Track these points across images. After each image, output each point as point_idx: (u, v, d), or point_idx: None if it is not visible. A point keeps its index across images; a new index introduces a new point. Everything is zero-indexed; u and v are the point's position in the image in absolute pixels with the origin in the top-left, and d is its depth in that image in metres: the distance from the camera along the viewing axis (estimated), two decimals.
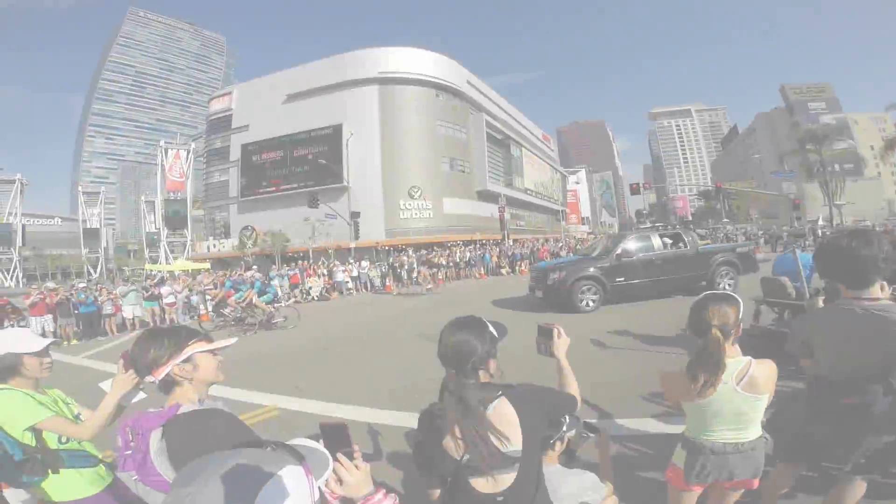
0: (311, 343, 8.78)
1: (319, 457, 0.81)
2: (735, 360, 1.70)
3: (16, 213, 50.38)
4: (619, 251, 9.77)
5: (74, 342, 11.84)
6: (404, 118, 42.67)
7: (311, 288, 18.91)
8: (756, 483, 1.79)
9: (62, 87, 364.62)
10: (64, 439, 1.86)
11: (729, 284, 9.84)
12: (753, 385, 1.67)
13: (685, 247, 10.19)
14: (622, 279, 9.55)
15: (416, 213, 41.38)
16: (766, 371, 1.70)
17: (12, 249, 49.70)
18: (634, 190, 31.32)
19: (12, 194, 50.07)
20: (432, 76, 44.55)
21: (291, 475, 0.67)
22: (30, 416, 1.79)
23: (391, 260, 23.27)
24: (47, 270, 58.80)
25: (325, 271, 20.32)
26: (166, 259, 43.90)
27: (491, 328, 1.43)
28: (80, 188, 62.44)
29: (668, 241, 10.38)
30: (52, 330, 11.80)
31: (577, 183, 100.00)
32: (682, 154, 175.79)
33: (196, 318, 14.30)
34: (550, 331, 1.74)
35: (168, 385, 1.34)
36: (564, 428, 1.61)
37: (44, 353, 1.93)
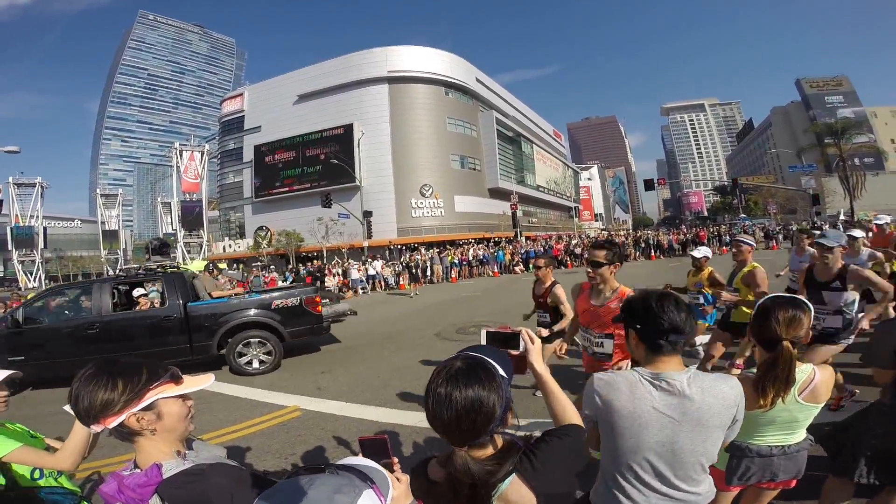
0: (329, 342, 8.87)
1: (381, 477, 0.80)
2: (800, 371, 1.64)
3: (37, 216, 51.56)
4: (12, 315, 6.57)
5: None
6: (414, 116, 42.71)
7: (326, 287, 19.11)
8: (794, 483, 1.78)
9: (79, 92, 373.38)
10: (37, 474, 1.65)
11: (262, 361, 6.82)
12: (816, 395, 1.65)
13: (166, 303, 6.84)
14: (22, 357, 6.19)
15: (427, 212, 41.43)
16: (828, 380, 1.66)
17: (35, 251, 50.88)
18: (648, 186, 31.05)
19: (33, 197, 51.23)
20: (441, 74, 44.52)
21: (368, 499, 0.70)
22: None
23: (404, 259, 23.39)
24: (69, 272, 60.24)
25: (340, 270, 20.49)
26: (183, 259, 44.55)
27: (499, 369, 1.02)
28: (98, 190, 63.69)
29: (151, 292, 7.30)
30: None
31: (590, 179, 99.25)
32: (696, 149, 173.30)
33: None
34: (512, 337, 1.26)
35: (122, 435, 1.12)
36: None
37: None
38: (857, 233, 5.13)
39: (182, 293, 6.77)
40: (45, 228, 52.85)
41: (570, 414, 1.23)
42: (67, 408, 1.51)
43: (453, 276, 21.83)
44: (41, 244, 51.27)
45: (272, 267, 24.91)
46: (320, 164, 40.94)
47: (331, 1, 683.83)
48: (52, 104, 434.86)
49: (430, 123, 43.19)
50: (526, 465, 0.98)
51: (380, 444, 0.98)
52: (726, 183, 72.97)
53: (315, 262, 24.68)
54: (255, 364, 6.82)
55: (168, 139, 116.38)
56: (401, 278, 21.24)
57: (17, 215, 49.13)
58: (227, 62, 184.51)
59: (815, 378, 1.64)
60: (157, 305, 7.25)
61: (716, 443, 1.33)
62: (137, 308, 7.17)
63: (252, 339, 6.83)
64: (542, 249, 23.67)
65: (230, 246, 45.45)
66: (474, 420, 0.93)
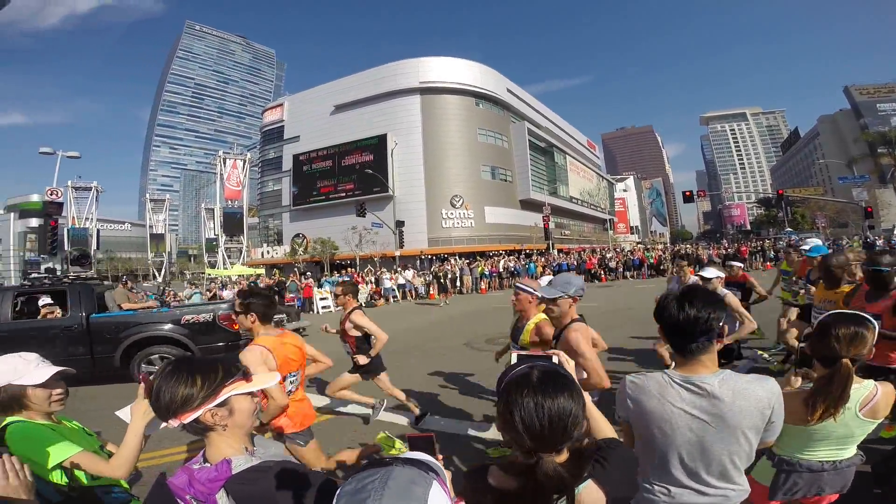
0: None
1: (441, 470, 0.86)
2: (861, 386, 1.63)
3: (92, 219, 54.85)
4: None
5: None
6: (445, 127, 43.13)
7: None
8: (836, 496, 1.75)
9: (132, 99, 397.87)
10: (93, 475, 1.69)
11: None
12: (875, 411, 1.62)
13: (67, 313, 6.60)
14: None
15: (458, 222, 41.58)
16: (889, 396, 1.63)
17: (89, 251, 54.10)
18: (687, 198, 30.10)
19: (89, 200, 54.52)
20: (472, 85, 44.87)
21: (439, 489, 0.77)
22: (59, 453, 1.61)
23: (434, 268, 23.54)
24: (118, 272, 63.71)
25: (373, 279, 20.86)
26: (224, 264, 46.44)
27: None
28: (147, 195, 67.34)
29: (48, 303, 6.75)
30: None
31: (625, 191, 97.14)
32: (738, 160, 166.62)
33: None
34: (546, 360, 1.26)
35: (195, 430, 1.17)
36: None
37: (52, 383, 1.70)
38: (710, 273, 5.07)
39: (86, 304, 6.68)
40: (98, 230, 56.09)
41: (606, 429, 1.28)
42: (121, 414, 1.62)
43: (483, 287, 21.82)
44: (94, 245, 54.43)
45: (308, 274, 25.62)
46: (355, 173, 41.89)
47: (364, 14, 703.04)
48: (107, 111, 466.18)
49: (461, 134, 43.52)
50: (599, 470, 1.04)
51: (427, 442, 1.07)
52: (771, 195, 69.78)
53: (275, 275, 23.99)
54: None
55: (213, 147, 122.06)
56: (430, 288, 21.40)
57: (73, 217, 52.28)
58: (268, 73, 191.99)
59: (876, 394, 1.62)
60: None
61: (750, 443, 1.35)
62: (40, 318, 6.77)
63: (157, 354, 6.74)
64: (574, 262, 23.34)
65: (268, 252, 47.00)
66: (566, 426, 0.96)
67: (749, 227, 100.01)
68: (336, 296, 4.74)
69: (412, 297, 20.94)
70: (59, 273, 11.24)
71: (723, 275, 5.31)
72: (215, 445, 1.18)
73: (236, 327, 6.55)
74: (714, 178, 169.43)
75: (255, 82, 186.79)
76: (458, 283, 21.69)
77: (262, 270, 34.84)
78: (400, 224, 28.31)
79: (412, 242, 34.82)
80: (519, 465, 1.02)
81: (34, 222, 64.46)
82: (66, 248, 54.12)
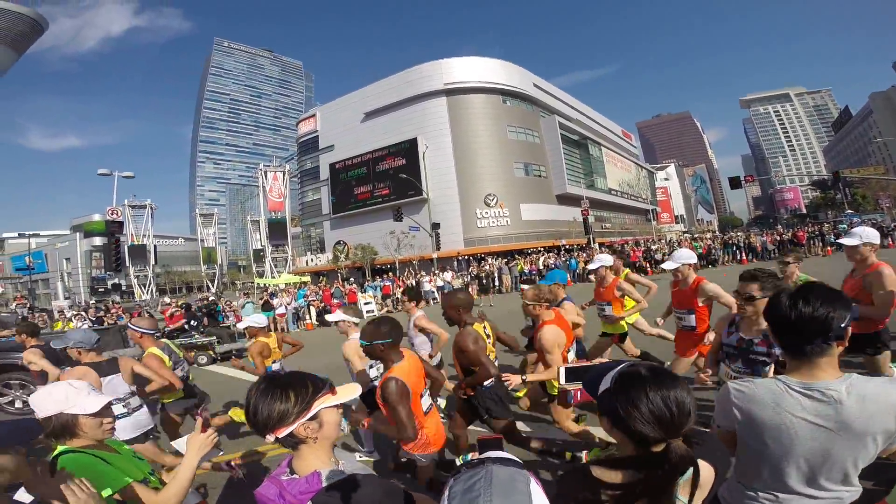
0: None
1: (523, 465, 0.92)
2: None
3: (148, 235, 58.42)
4: None
5: None
6: (474, 126, 42.98)
7: (399, 298, 19.82)
8: None
9: (175, 117, 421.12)
10: None
11: (26, 402, 6.50)
12: None
13: None
14: None
15: (493, 221, 41.37)
16: None
17: (147, 267, 57.61)
18: (734, 183, 28.61)
19: (145, 218, 58.05)
20: (497, 83, 44.54)
21: (535, 484, 0.83)
22: (108, 485, 1.62)
23: (472, 269, 23.57)
24: (175, 285, 67.59)
25: (413, 282, 21.14)
26: (271, 273, 48.37)
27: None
28: (197, 211, 71.03)
29: None
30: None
31: (667, 179, 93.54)
32: (787, 142, 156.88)
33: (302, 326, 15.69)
34: (590, 368, 1.40)
35: (289, 444, 1.23)
36: None
37: (103, 412, 1.73)
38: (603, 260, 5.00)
39: None
40: (155, 246, 59.67)
41: None
42: (176, 445, 1.68)
43: (523, 286, 21.63)
44: (152, 260, 57.93)
45: (351, 280, 26.28)
46: (389, 178, 42.47)
47: (383, 20, 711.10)
48: (152, 130, 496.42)
49: (490, 133, 43.26)
50: (699, 449, 1.10)
51: (496, 443, 1.14)
52: (826, 177, 65.24)
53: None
54: (18, 404, 6.88)
55: (253, 161, 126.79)
56: (469, 289, 21.41)
57: (132, 234, 55.87)
58: (298, 84, 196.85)
59: None
60: None
61: (878, 446, 1.26)
62: None
63: (13, 381, 6.87)
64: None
65: (311, 260, 48.43)
66: (689, 411, 1.04)
67: (805, 211, 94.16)
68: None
69: (592, 278, 20.92)
70: None
71: (609, 262, 5.03)
72: (305, 458, 1.22)
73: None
74: (762, 161, 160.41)
75: (286, 94, 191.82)
76: (496, 283, 21.61)
77: (307, 278, 36.01)
78: (436, 226, 28.53)
79: (448, 244, 34.99)
80: (633, 458, 1.07)
81: (98, 241, 69.56)
82: (126, 263, 58.01)
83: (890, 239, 22.66)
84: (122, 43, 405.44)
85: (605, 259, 5.14)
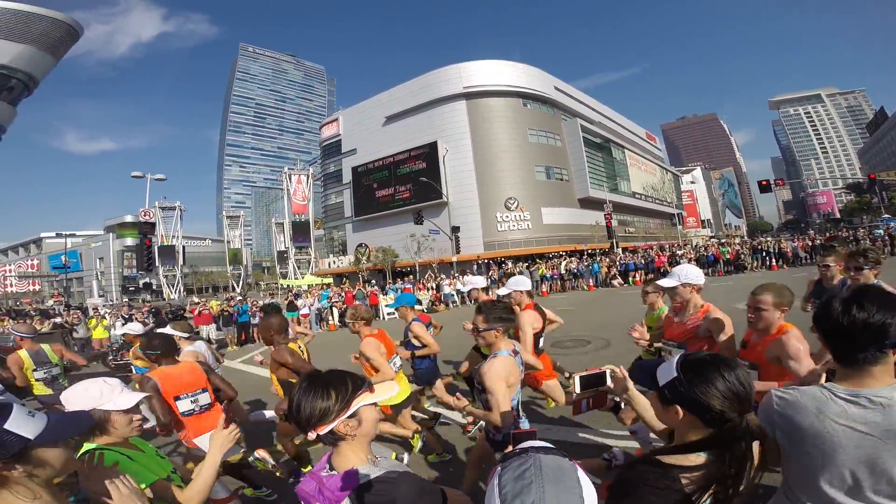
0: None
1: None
2: None
3: (177, 236, 60.22)
4: None
5: (234, 348, 13.90)
6: (494, 130, 42.91)
7: (420, 301, 19.93)
8: None
9: (203, 121, 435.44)
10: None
11: None
12: None
13: None
14: None
15: (513, 225, 41.15)
16: None
17: (175, 267, 59.41)
18: (764, 187, 27.79)
19: (174, 219, 59.90)
20: (517, 86, 44.40)
21: (582, 471, 0.87)
22: (137, 481, 1.60)
23: (492, 272, 23.49)
24: (202, 285, 69.50)
25: (434, 285, 21.21)
26: (294, 274, 49.26)
27: None
28: (224, 213, 72.85)
29: None
30: (215, 337, 13.99)
31: (693, 182, 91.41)
32: (819, 144, 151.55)
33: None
34: (602, 375, 1.61)
35: (329, 441, 1.26)
36: None
37: (134, 409, 1.76)
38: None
39: None
40: (183, 247, 61.50)
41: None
42: (198, 442, 1.69)
43: (544, 289, 21.45)
44: (181, 261, 59.69)
45: (373, 282, 26.56)
46: (410, 182, 42.69)
47: (403, 25, 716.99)
48: (181, 133, 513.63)
49: (511, 136, 43.12)
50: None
51: (530, 437, 1.15)
52: (862, 180, 62.67)
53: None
54: None
55: (277, 164, 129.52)
56: (489, 292, 21.34)
57: (161, 235, 57.64)
58: (320, 89, 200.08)
59: None
60: None
61: None
62: None
63: None
64: (642, 262, 22.30)
65: (334, 262, 49.12)
66: (753, 388, 1.14)
67: (839, 215, 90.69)
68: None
69: (472, 301, 20.95)
70: None
71: (482, 284, 4.93)
72: (343, 454, 1.25)
73: None
74: (793, 164, 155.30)
75: (309, 99, 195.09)
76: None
77: (330, 280, 36.54)
78: (455, 230, 28.58)
79: (468, 247, 34.98)
80: (712, 437, 1.12)
81: (129, 241, 72.13)
82: (156, 263, 59.91)
83: None
84: (152, 48, 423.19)
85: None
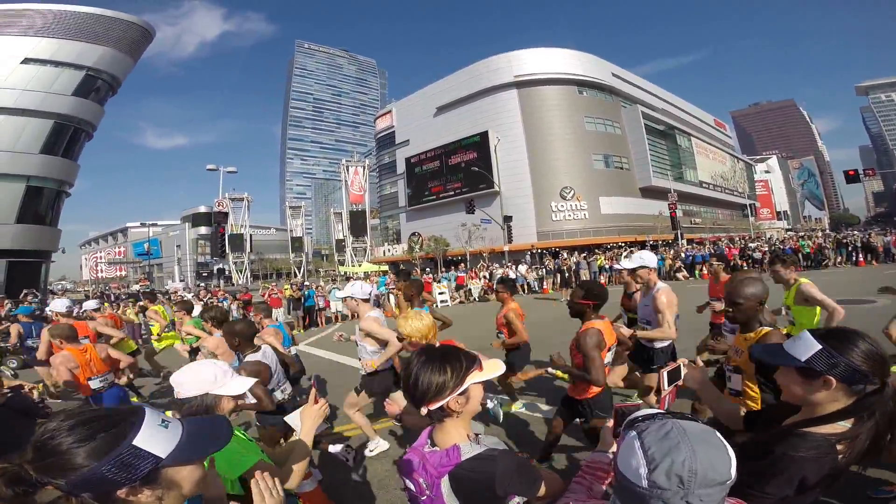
0: (474, 343, 9.28)
1: None
2: None
3: (245, 225, 64.19)
4: None
5: (301, 331, 14.70)
6: (547, 118, 41.97)
7: (471, 290, 20.02)
8: None
9: (266, 115, 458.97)
10: None
11: None
12: None
13: None
14: None
15: (569, 215, 40.18)
16: None
17: (243, 255, 63.48)
18: (851, 177, 25.15)
19: (242, 209, 63.87)
20: (570, 73, 43.13)
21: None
22: (239, 465, 1.58)
23: (547, 262, 23.06)
24: (267, 272, 73.71)
25: (486, 274, 21.21)
26: (351, 262, 51.13)
27: None
28: (287, 203, 76.66)
29: None
30: (283, 321, 14.83)
31: (768, 172, 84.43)
32: None
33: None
34: (678, 371, 1.66)
35: (437, 417, 1.25)
36: None
37: (242, 395, 1.72)
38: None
39: None
40: (251, 236, 65.48)
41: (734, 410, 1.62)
42: (289, 420, 1.67)
43: (603, 281, 20.80)
44: (248, 248, 63.62)
45: (427, 270, 27.01)
46: (462, 171, 42.74)
47: (453, 15, 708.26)
48: (247, 128, 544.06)
49: (566, 124, 41.97)
50: None
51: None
52: None
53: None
54: None
55: (335, 156, 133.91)
56: (544, 282, 21.05)
57: (231, 224, 61.66)
58: (373, 82, 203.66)
59: None
60: None
61: None
62: None
63: None
64: (708, 253, 21.03)
65: (388, 250, 50.42)
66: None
67: None
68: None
69: (524, 291, 20.77)
70: None
71: (652, 264, 4.00)
72: (447, 431, 1.24)
73: None
74: (885, 153, 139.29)
75: (363, 92, 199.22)
76: (575, 278, 20.97)
77: (385, 267, 37.53)
78: (507, 219, 28.25)
79: (521, 237, 34.56)
80: (863, 399, 1.17)
81: (203, 230, 77.84)
82: (227, 250, 64.22)
83: None
84: (216, 48, 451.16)
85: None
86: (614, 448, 1.26)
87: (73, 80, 27.00)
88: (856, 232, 27.64)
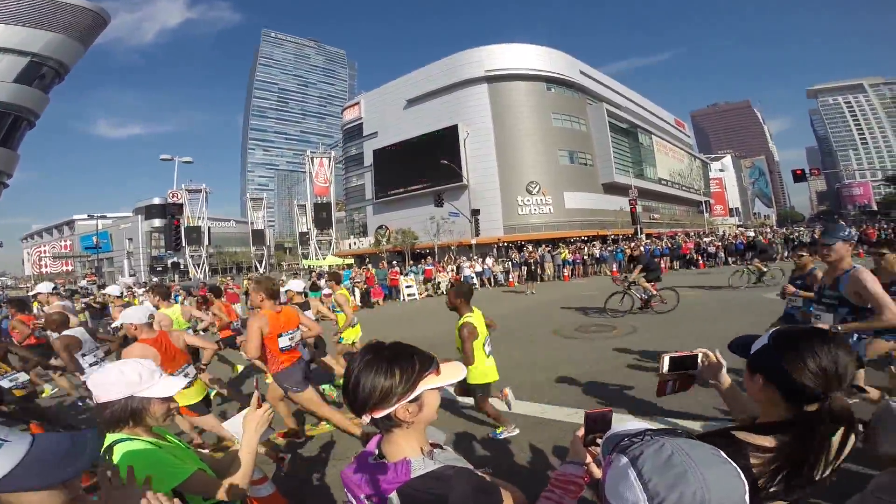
0: (447, 336, 9.22)
1: None
2: None
3: (203, 217, 61.63)
4: None
5: None
6: (516, 114, 42.32)
7: (439, 283, 19.95)
8: None
9: (227, 106, 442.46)
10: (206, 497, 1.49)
11: None
12: None
13: None
14: None
15: (535, 209, 40.74)
16: None
17: (201, 248, 60.99)
18: (798, 176, 26.71)
19: (200, 201, 61.26)
20: (540, 70, 43.61)
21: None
22: (174, 475, 1.40)
23: (513, 255, 23.29)
24: (226, 265, 71.22)
25: (454, 267, 21.19)
26: (315, 255, 49.99)
27: None
28: (248, 195, 74.13)
29: None
30: (242, 316, 14.27)
31: (722, 170, 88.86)
32: (859, 134, 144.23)
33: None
34: (692, 358, 1.45)
35: (384, 426, 1.08)
36: None
37: (170, 397, 1.53)
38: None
39: None
40: (209, 228, 62.91)
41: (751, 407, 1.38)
42: (229, 426, 1.55)
43: (566, 274, 21.22)
44: (206, 241, 61.14)
45: (395, 263, 26.74)
46: (430, 164, 42.50)
47: (424, 7, 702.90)
48: (207, 118, 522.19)
49: (534, 120, 42.47)
50: None
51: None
52: None
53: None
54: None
55: (300, 147, 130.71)
56: (510, 275, 21.25)
57: (188, 216, 59.01)
58: (342, 73, 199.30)
59: None
60: None
61: None
62: None
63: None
64: (667, 247, 21.82)
65: (354, 243, 49.63)
66: (850, 367, 1.06)
67: (875, 208, 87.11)
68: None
69: (489, 284, 20.92)
70: None
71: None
72: (396, 443, 1.08)
73: None
74: (829, 154, 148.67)
75: (330, 83, 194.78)
76: (538, 271, 21.28)
77: (351, 260, 36.92)
78: (475, 212, 28.35)
79: (488, 230, 34.79)
80: (787, 421, 1.07)
81: (157, 223, 74.19)
82: (183, 243, 61.38)
83: None
84: (178, 35, 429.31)
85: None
86: (588, 459, 1.13)
87: (16, 67, 25.22)
88: (802, 228, 29.35)
